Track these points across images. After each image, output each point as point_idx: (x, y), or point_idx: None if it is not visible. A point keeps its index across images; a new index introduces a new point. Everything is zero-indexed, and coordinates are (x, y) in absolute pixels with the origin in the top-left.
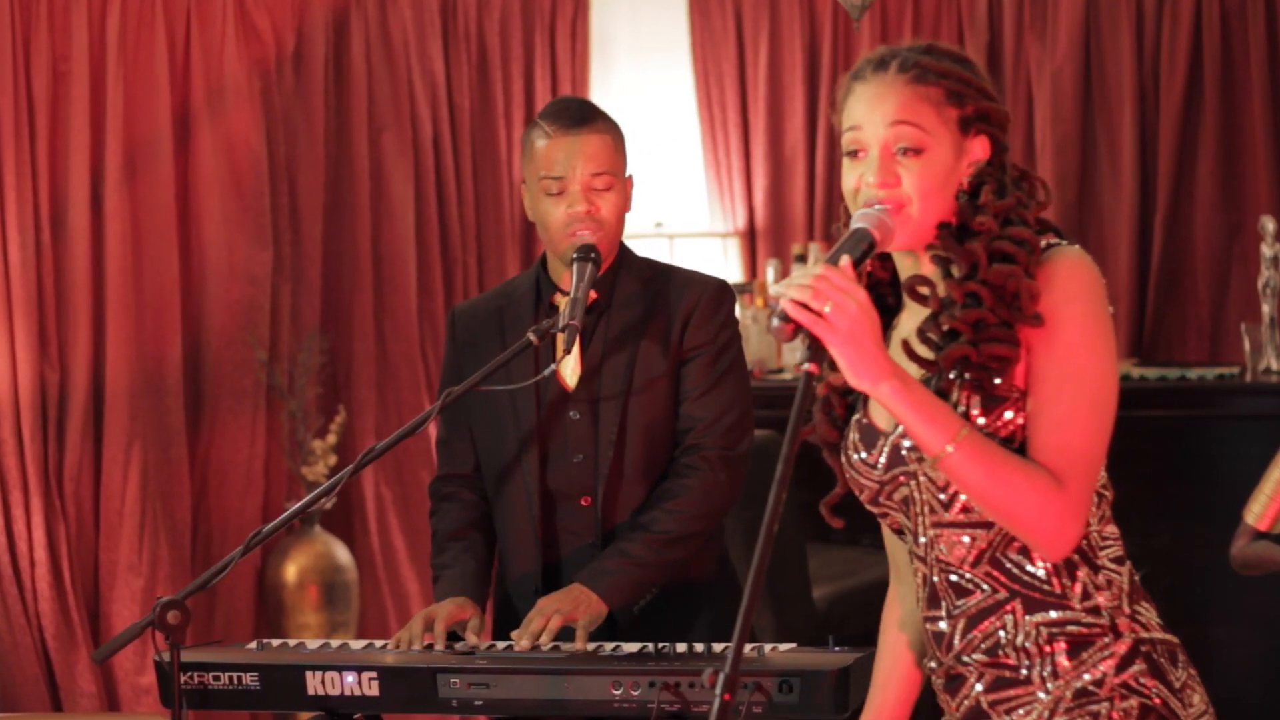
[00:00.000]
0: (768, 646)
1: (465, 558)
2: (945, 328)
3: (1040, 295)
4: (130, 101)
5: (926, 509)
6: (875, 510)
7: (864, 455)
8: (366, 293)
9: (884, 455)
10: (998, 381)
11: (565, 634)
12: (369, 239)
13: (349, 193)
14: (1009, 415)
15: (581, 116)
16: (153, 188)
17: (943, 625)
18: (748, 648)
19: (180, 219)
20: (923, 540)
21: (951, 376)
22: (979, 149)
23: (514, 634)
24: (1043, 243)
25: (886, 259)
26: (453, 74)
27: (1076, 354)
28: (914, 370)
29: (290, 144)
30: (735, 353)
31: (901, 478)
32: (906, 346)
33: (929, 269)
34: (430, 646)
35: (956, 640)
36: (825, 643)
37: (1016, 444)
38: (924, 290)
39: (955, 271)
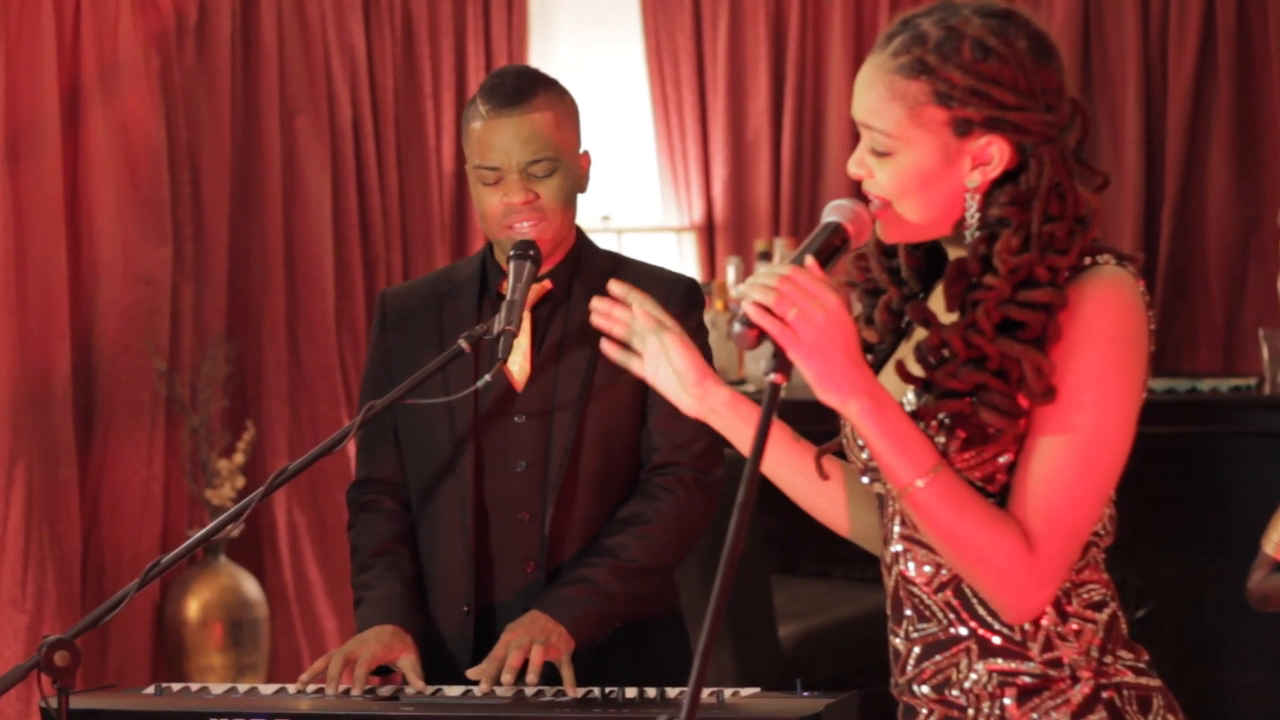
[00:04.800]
0: (728, 691)
1: (391, 577)
2: (943, 385)
3: (1054, 369)
4: (12, 79)
5: (898, 519)
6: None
7: None
8: (278, 294)
9: None
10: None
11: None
12: (280, 234)
13: (258, 182)
14: (992, 454)
15: (519, 93)
16: (38, 176)
17: (899, 643)
18: (706, 692)
19: (69, 211)
20: (892, 550)
21: (940, 418)
22: (989, 153)
23: (471, 672)
24: (1085, 260)
25: (917, 247)
26: (374, 50)
27: (1082, 407)
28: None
29: (192, 127)
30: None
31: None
32: (901, 367)
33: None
34: (349, 691)
35: (910, 666)
36: (792, 687)
37: (996, 487)
38: (926, 320)
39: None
